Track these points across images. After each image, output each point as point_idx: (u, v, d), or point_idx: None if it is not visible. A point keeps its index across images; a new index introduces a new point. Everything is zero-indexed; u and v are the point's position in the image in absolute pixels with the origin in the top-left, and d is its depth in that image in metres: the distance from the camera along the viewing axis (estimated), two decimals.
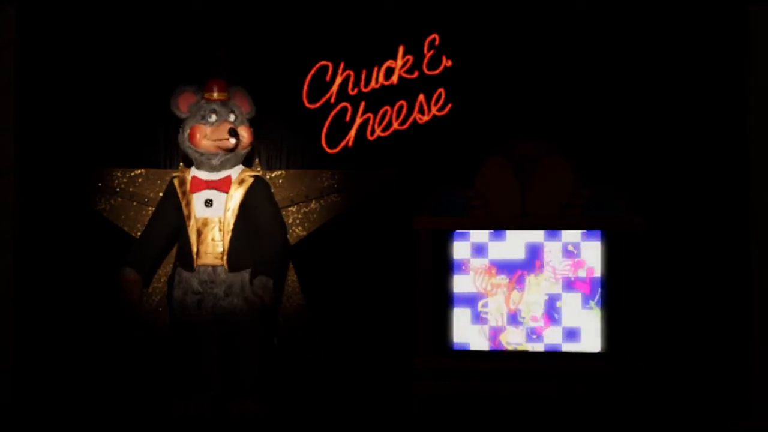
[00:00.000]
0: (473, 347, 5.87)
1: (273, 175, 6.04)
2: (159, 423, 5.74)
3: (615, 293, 5.83)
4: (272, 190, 5.88)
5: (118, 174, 6.00)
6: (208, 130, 5.68)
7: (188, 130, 5.71)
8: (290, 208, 6.00)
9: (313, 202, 6.04)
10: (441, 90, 6.09)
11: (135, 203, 5.98)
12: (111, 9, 6.14)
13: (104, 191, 5.97)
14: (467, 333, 5.88)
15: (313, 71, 6.10)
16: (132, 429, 5.83)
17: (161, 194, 5.87)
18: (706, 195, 6.04)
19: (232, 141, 5.63)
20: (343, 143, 6.11)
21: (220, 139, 5.64)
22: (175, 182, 5.78)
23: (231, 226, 5.68)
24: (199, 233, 5.67)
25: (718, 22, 6.06)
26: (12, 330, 6.04)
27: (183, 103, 5.78)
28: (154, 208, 5.89)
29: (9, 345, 6.03)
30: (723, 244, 6.02)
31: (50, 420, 5.92)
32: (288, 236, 5.89)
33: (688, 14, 6.07)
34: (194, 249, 5.65)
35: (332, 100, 6.11)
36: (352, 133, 6.10)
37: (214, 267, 5.65)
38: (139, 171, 6.02)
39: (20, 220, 6.09)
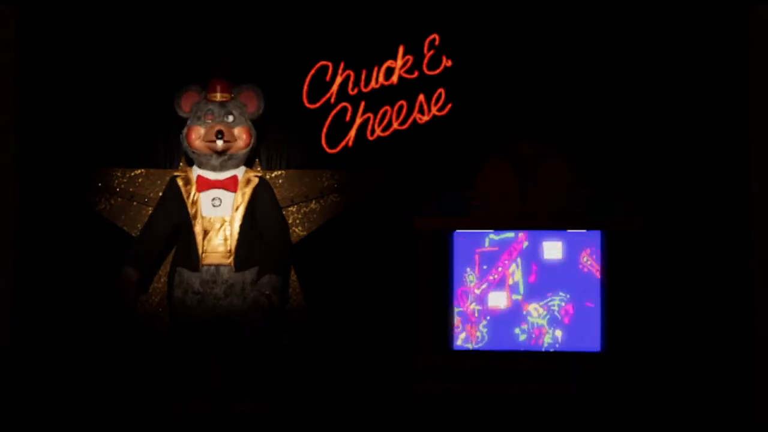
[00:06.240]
0: (473, 347, 5.87)
1: (273, 175, 6.03)
2: (159, 423, 5.74)
3: (615, 293, 5.83)
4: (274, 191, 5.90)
5: (118, 174, 6.00)
6: (202, 131, 5.70)
7: (186, 131, 5.74)
8: (290, 208, 6.00)
9: (313, 202, 6.04)
10: (441, 90, 6.09)
11: (135, 203, 5.98)
12: (111, 9, 6.14)
13: (104, 191, 5.97)
14: (467, 333, 5.87)
15: (313, 71, 6.10)
16: (132, 429, 5.83)
17: (161, 193, 5.87)
18: (706, 195, 6.05)
19: (219, 143, 5.63)
20: (343, 143, 6.11)
21: (209, 141, 5.65)
22: (179, 181, 5.77)
23: (239, 226, 5.68)
24: (205, 232, 5.66)
25: (718, 22, 6.06)
26: (11, 330, 6.04)
27: (185, 103, 5.79)
28: (153, 208, 5.89)
29: (8, 345, 6.03)
30: (723, 243, 6.02)
31: (50, 420, 5.92)
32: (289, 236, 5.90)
33: (688, 14, 6.07)
34: (200, 248, 5.64)
35: (332, 100, 6.11)
36: (352, 133, 6.10)
37: (217, 266, 5.65)
38: (139, 171, 6.02)
39: (20, 220, 6.09)
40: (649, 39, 6.08)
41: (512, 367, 5.78)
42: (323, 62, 6.10)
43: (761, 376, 5.90)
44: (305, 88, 6.10)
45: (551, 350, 5.83)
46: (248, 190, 5.75)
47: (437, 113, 6.09)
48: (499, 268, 5.87)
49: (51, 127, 6.13)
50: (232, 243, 5.67)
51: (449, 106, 6.09)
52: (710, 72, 6.06)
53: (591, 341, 5.82)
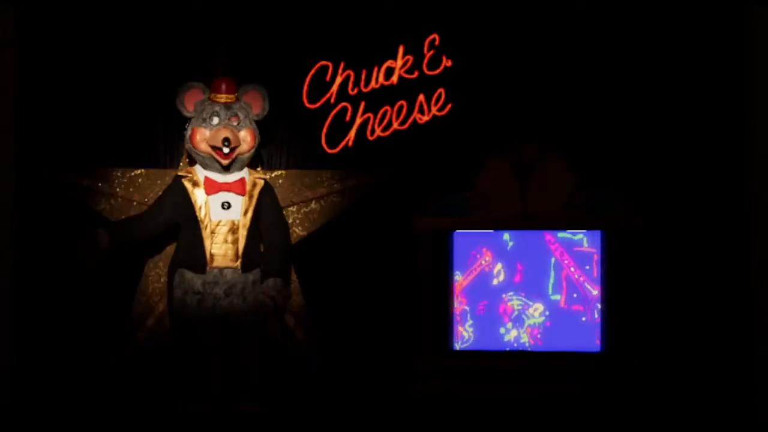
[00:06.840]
0: (473, 347, 5.87)
1: (273, 175, 6.03)
2: (160, 423, 5.75)
3: (615, 293, 5.83)
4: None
5: (118, 174, 5.99)
6: (207, 133, 5.65)
7: (190, 131, 5.69)
8: (290, 208, 6.00)
9: (313, 202, 6.04)
10: (441, 90, 6.09)
11: (135, 203, 5.97)
12: (111, 9, 6.14)
13: (104, 191, 5.96)
14: (467, 333, 5.88)
15: (313, 71, 6.10)
16: (133, 429, 5.83)
17: (162, 192, 5.83)
18: (706, 195, 6.05)
19: (225, 152, 5.60)
20: (343, 143, 6.11)
21: (215, 148, 5.62)
22: (186, 183, 5.71)
23: (247, 228, 5.66)
24: (213, 235, 5.63)
25: (718, 22, 6.06)
26: (12, 330, 6.04)
27: (189, 101, 5.74)
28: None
29: (9, 345, 6.03)
30: (723, 243, 6.03)
31: (50, 420, 5.92)
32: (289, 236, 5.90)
33: (688, 14, 6.07)
34: (208, 251, 5.61)
35: (332, 100, 6.11)
36: (352, 133, 6.10)
37: (221, 269, 5.63)
38: (139, 171, 6.01)
39: (20, 220, 6.09)
40: (649, 39, 6.08)
41: (512, 368, 5.78)
42: (323, 62, 6.10)
43: (762, 374, 5.91)
44: (305, 88, 6.10)
45: (551, 350, 5.83)
46: (256, 193, 5.73)
47: (437, 113, 6.10)
48: (500, 269, 5.88)
49: (51, 127, 6.13)
50: (241, 246, 5.64)
51: (449, 106, 6.09)
52: (710, 72, 6.06)
53: (591, 341, 5.82)
